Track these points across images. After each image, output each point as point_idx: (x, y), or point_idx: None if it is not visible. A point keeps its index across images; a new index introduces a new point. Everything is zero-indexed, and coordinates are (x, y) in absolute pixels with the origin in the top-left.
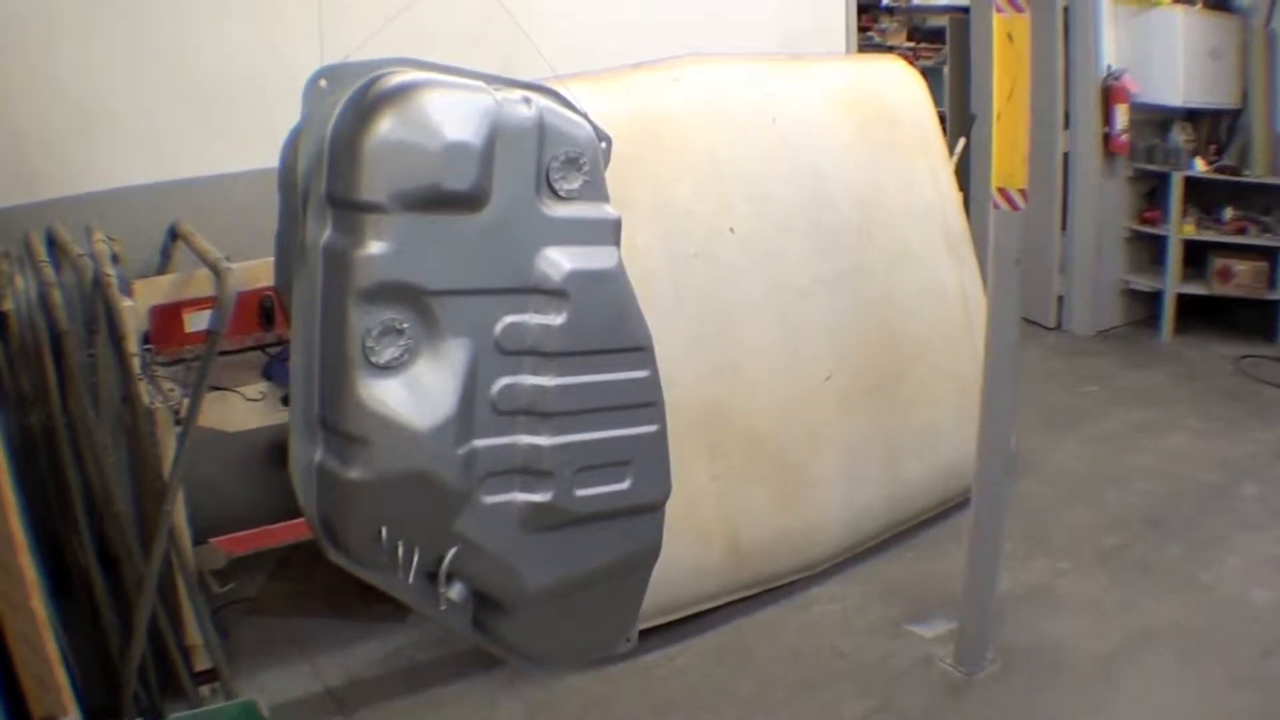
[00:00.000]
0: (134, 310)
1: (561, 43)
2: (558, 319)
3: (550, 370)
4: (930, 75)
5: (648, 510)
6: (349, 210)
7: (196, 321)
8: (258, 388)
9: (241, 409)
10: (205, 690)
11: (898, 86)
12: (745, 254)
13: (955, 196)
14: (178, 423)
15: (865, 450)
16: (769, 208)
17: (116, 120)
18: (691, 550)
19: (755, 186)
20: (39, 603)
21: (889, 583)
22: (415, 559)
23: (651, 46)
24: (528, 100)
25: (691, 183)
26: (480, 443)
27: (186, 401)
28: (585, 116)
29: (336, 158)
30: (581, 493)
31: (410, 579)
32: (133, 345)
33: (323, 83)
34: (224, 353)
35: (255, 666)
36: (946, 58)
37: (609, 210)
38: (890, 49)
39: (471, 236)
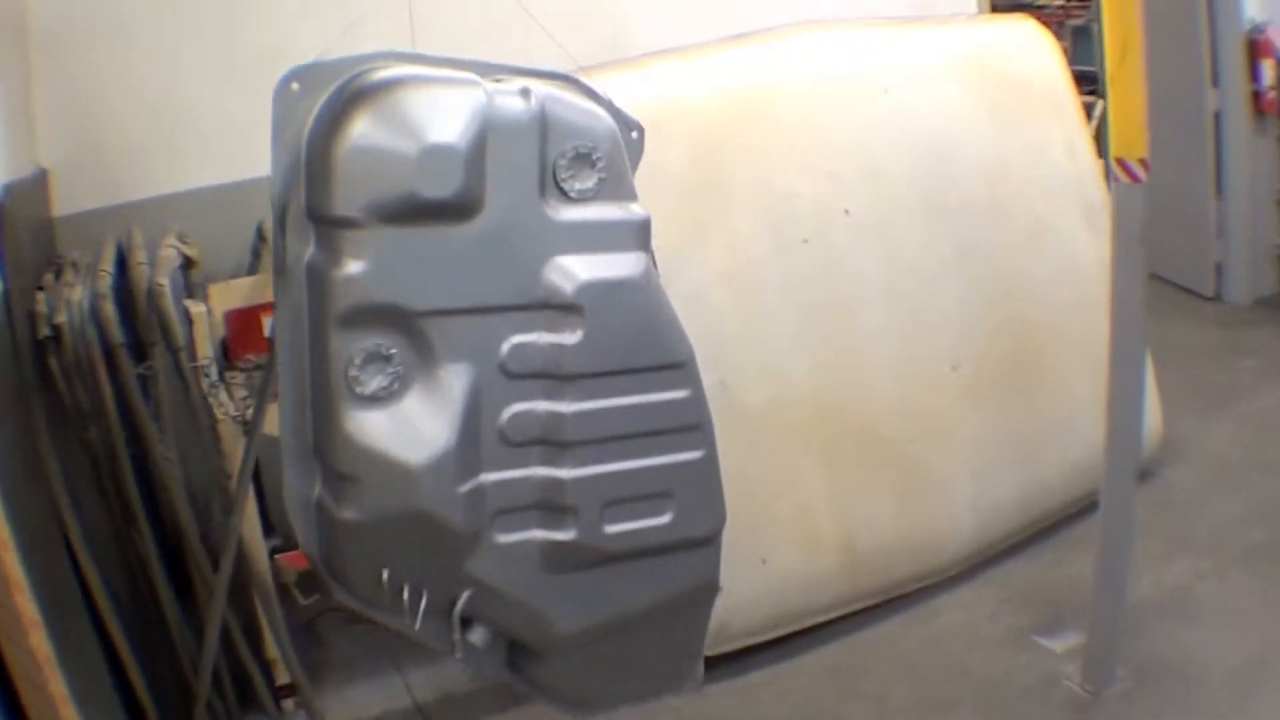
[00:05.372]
0: (206, 316)
1: (665, 11)
2: (572, 337)
3: (567, 395)
4: (1081, 34)
5: (697, 544)
6: (326, 226)
7: None
8: None
9: None
10: (289, 704)
11: (1026, 48)
12: (860, 236)
13: (1094, 165)
14: (247, 432)
15: (996, 445)
16: (885, 185)
17: (198, 119)
18: (802, 560)
19: (869, 163)
20: (40, 640)
21: (1021, 588)
22: (423, 602)
23: (769, 14)
24: (526, 92)
25: (798, 162)
26: (489, 477)
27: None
28: (608, 105)
29: (312, 168)
30: (612, 529)
31: (417, 624)
32: (197, 354)
33: (295, 85)
34: None
35: (346, 679)
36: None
37: (634, 210)
38: (1039, 7)
39: (463, 248)
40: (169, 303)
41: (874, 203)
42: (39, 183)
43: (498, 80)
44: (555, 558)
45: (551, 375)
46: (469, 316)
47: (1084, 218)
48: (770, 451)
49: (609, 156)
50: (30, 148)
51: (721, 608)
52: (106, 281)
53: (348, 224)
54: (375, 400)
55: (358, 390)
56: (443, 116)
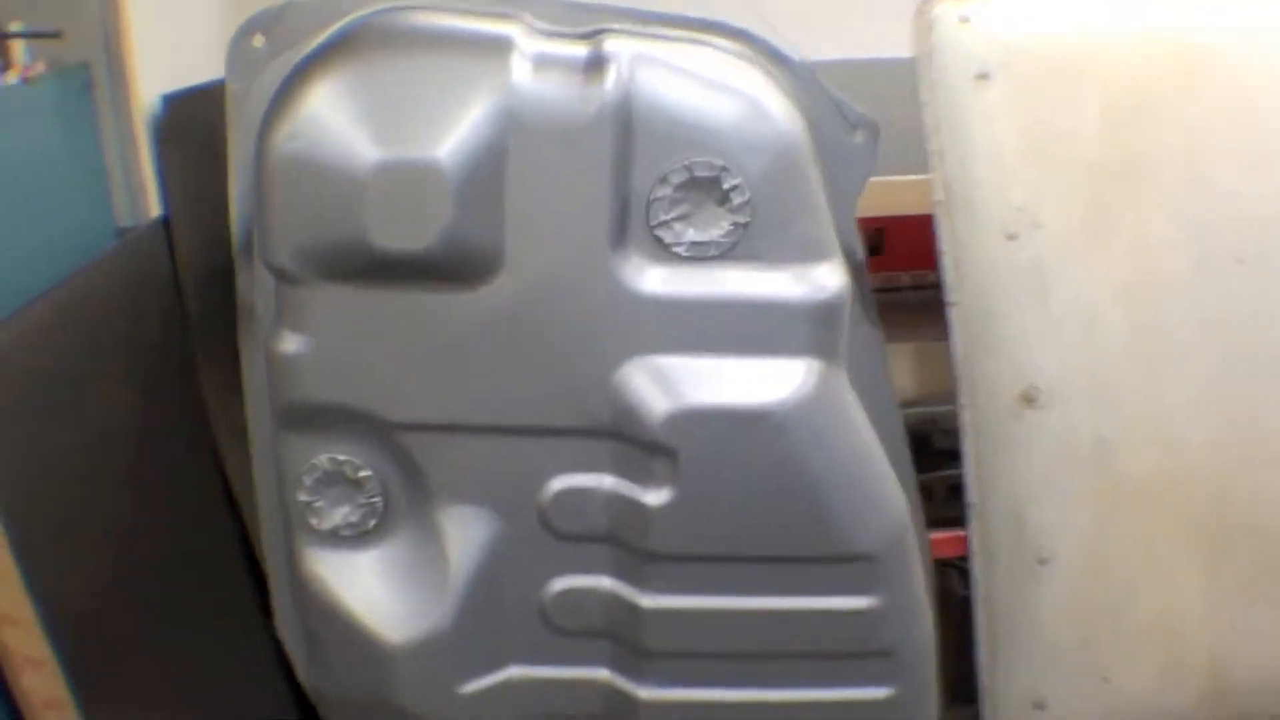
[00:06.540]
0: None
1: None
2: (657, 495)
3: (649, 579)
4: None
5: None
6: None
7: None
8: None
9: None
10: None
11: None
12: None
13: None
14: None
15: None
16: None
17: None
18: (1156, 682)
19: None
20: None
21: None
22: None
23: None
24: (599, 60)
25: (1243, 151)
26: (522, 671)
27: None
28: (806, 77)
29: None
30: None
31: None
32: None
33: (258, 40)
34: None
35: None
36: None
37: (816, 280)
38: None
39: (470, 331)
40: None
41: None
42: None
43: (558, 36)
44: None
45: (622, 544)
46: (486, 437)
47: None
48: (1142, 537)
49: (764, 182)
50: None
51: None
52: None
53: (282, 276)
54: (339, 540)
55: (312, 522)
56: (428, 106)
